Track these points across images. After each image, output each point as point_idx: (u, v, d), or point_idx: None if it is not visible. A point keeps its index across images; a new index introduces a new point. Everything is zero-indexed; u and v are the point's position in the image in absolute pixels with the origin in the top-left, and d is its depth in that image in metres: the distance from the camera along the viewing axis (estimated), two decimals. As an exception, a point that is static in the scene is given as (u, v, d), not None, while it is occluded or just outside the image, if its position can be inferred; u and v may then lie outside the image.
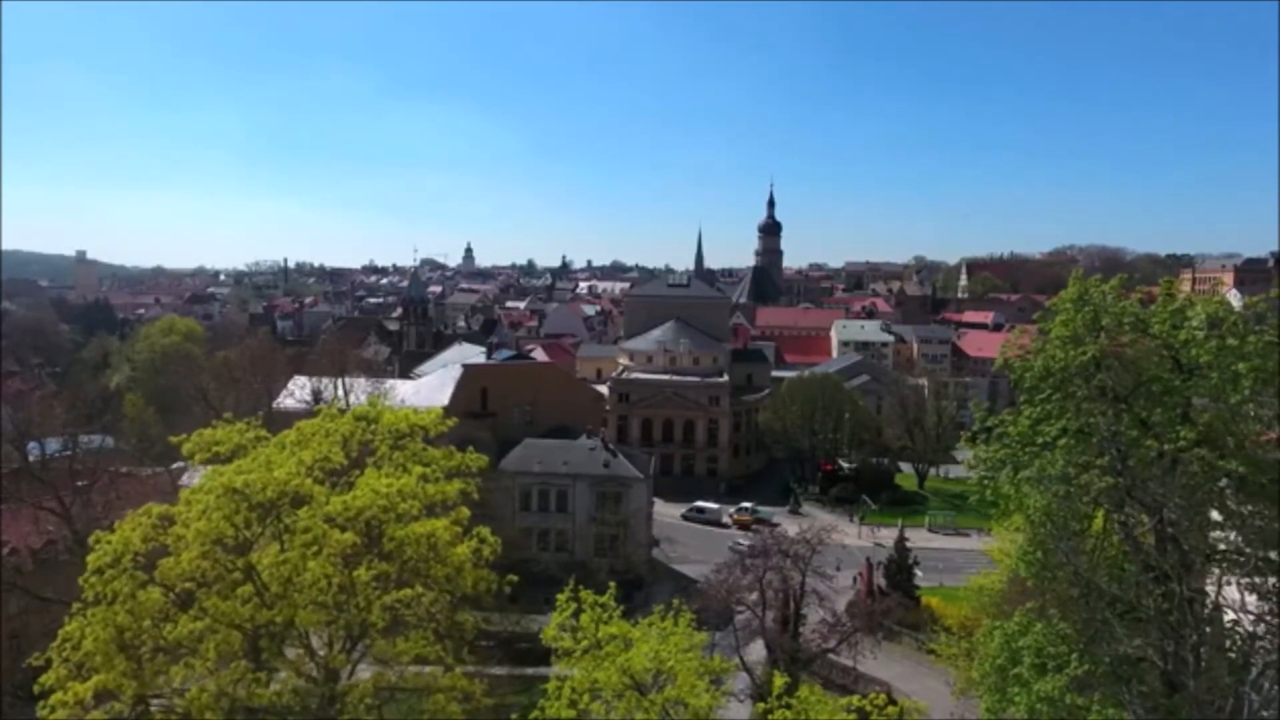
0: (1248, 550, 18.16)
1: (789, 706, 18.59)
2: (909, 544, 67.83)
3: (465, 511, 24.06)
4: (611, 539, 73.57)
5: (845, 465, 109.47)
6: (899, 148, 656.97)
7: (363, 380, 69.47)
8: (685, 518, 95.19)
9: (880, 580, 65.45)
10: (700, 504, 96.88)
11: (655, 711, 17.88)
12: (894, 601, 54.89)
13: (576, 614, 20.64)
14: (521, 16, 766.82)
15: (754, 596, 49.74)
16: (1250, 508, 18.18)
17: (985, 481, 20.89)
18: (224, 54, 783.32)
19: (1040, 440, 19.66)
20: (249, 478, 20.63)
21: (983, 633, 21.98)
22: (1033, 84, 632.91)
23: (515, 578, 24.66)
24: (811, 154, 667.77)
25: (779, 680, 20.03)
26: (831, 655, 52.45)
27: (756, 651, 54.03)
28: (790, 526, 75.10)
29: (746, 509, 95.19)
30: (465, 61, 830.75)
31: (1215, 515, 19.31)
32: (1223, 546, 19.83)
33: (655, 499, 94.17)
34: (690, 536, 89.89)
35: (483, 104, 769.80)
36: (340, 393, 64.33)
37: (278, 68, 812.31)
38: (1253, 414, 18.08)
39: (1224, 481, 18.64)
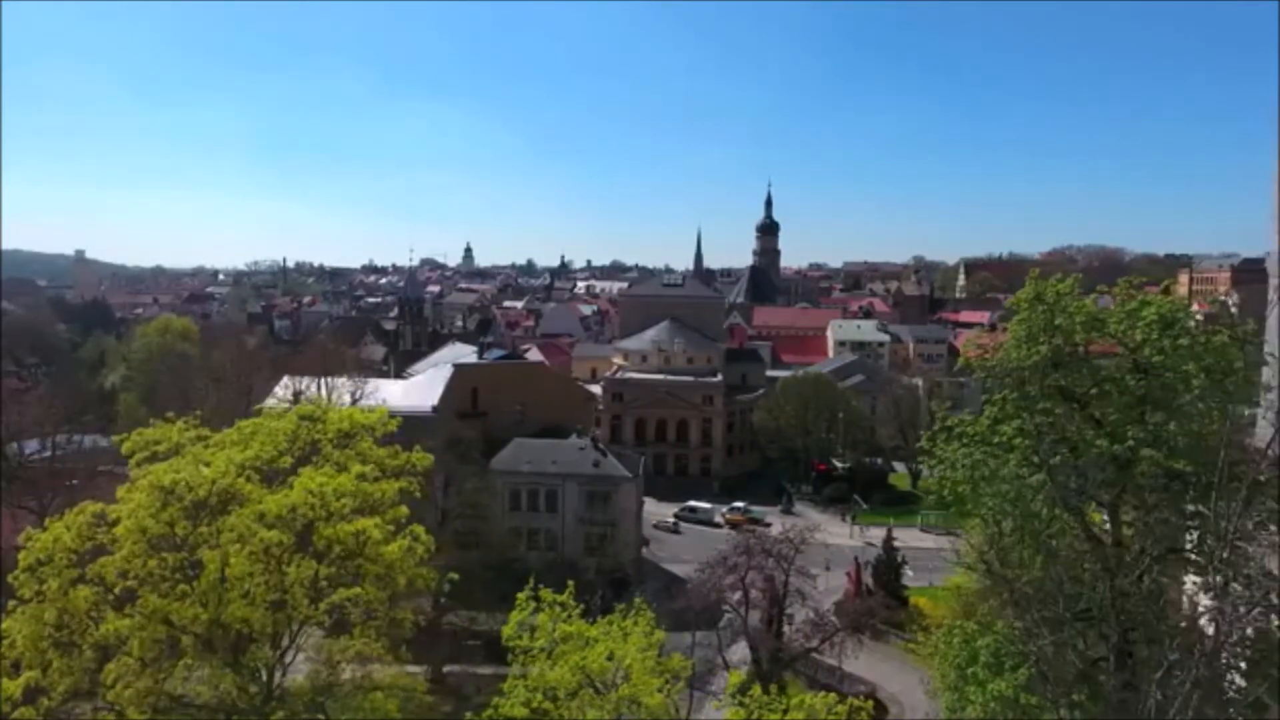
0: (1201, 549, 18.18)
1: (743, 705, 18.64)
2: (898, 544, 67.85)
3: (404, 510, 24.09)
4: (600, 539, 73.61)
5: (839, 465, 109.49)
6: (899, 147, 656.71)
7: (345, 380, 69.53)
8: (678, 517, 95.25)
9: (868, 580, 65.46)
10: (693, 504, 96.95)
11: (608, 710, 17.92)
12: (876, 601, 54.88)
13: (536, 613, 20.70)
14: (521, 16, 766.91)
15: (737, 596, 49.77)
16: (1200, 507, 18.20)
17: (943, 482, 20.94)
18: (224, 54, 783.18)
19: (997, 440, 19.69)
20: (177, 476, 20.70)
21: (943, 633, 22.05)
22: (1032, 84, 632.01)
23: (455, 575, 24.70)
24: (812, 154, 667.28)
25: (734, 677, 20.09)
26: (816, 655, 52.45)
27: (742, 651, 54.10)
28: (782, 526, 75.16)
29: (739, 509, 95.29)
30: (465, 61, 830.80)
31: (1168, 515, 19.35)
32: (1186, 546, 19.87)
33: (649, 498, 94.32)
34: (684, 536, 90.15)
35: (483, 104, 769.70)
36: (323, 392, 64.43)
37: (278, 67, 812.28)
38: (1201, 413, 18.12)
39: (1175, 481, 18.66)
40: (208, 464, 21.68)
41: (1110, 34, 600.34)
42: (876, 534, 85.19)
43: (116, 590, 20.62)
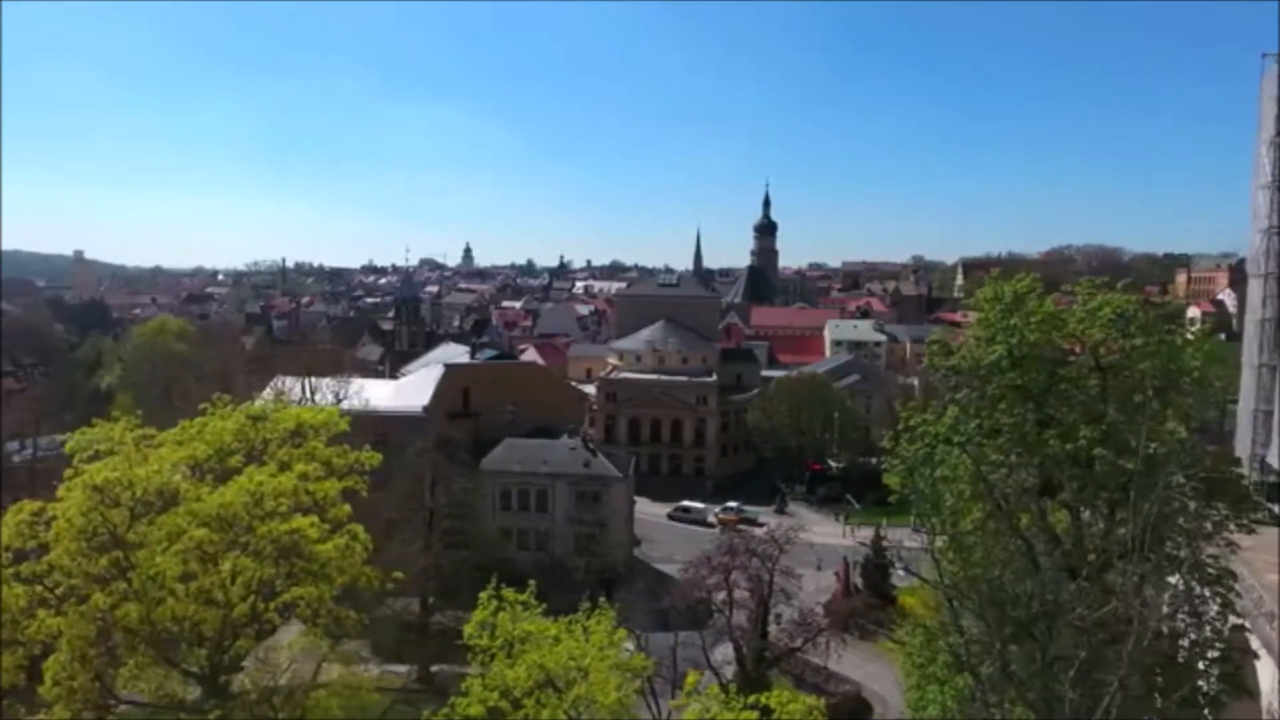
0: (1155, 550, 18.19)
1: (702, 705, 18.65)
2: (886, 543, 67.77)
3: (346, 509, 24.11)
4: (589, 539, 73.65)
5: (833, 465, 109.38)
6: (899, 147, 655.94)
7: (330, 380, 69.56)
8: (671, 517, 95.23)
9: (857, 579, 65.48)
10: (686, 503, 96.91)
11: (563, 710, 17.93)
12: (859, 601, 54.86)
13: (498, 612, 20.72)
14: (521, 17, 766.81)
15: (722, 596, 49.79)
16: (1154, 507, 18.18)
17: (904, 481, 20.94)
18: (224, 54, 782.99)
19: (957, 439, 19.69)
20: (111, 475, 20.73)
21: (904, 633, 22.04)
22: (1032, 84, 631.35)
23: (400, 574, 24.74)
24: (811, 153, 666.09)
25: (692, 677, 20.10)
26: (803, 655, 52.46)
27: (729, 650, 54.07)
28: (774, 526, 75.10)
29: (732, 509, 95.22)
30: (465, 62, 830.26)
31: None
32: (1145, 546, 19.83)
33: (643, 498, 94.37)
34: (675, 536, 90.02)
35: (482, 104, 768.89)
36: (306, 392, 64.52)
37: (277, 67, 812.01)
38: (1154, 412, 18.11)
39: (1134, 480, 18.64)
40: (146, 463, 21.69)
41: (1109, 34, 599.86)
42: (869, 534, 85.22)
43: (58, 590, 20.63)
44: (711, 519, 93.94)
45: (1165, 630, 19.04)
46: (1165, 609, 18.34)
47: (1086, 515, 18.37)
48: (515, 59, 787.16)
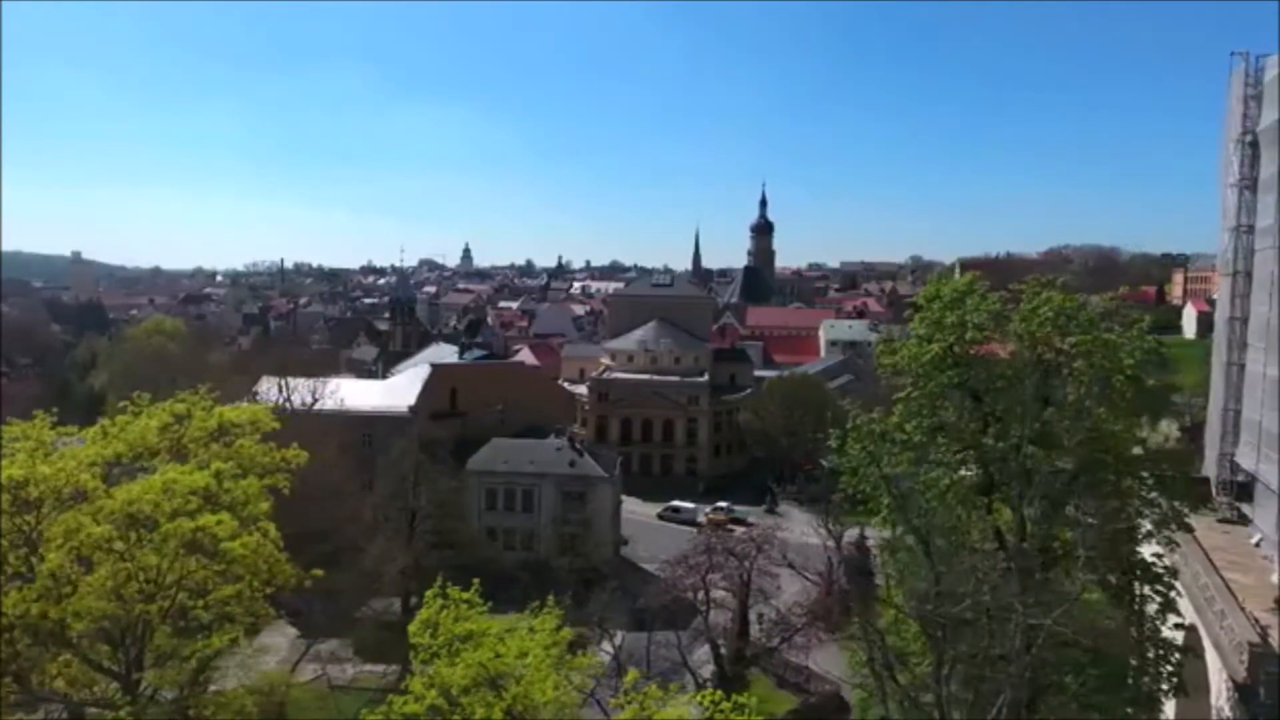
0: (1094, 549, 18.15)
1: (639, 704, 18.63)
2: (871, 542, 67.68)
3: (263, 506, 24.10)
4: (573, 538, 73.64)
5: (826, 464, 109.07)
6: (899, 147, 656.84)
7: (304, 380, 69.55)
8: (661, 517, 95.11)
9: (842, 579, 65.32)
10: (676, 503, 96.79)
11: (499, 709, 17.92)
12: (834, 601, 54.78)
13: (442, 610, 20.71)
14: (521, 17, 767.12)
15: (700, 595, 49.79)
16: (1091, 504, 18.19)
17: (848, 481, 20.91)
18: (224, 54, 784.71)
19: (900, 437, 19.67)
20: (14, 473, 20.73)
21: (853, 631, 22.02)
22: (1031, 84, 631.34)
23: (320, 571, 24.78)
24: (810, 153, 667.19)
25: (632, 675, 20.07)
26: (782, 654, 52.44)
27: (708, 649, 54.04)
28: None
29: (722, 509, 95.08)
30: (465, 61, 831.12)
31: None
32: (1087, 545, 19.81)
33: (634, 499, 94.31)
34: (664, 536, 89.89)
35: (482, 104, 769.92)
36: (281, 392, 64.57)
37: (277, 68, 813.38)
38: (1087, 410, 18.06)
39: (1077, 480, 18.64)
40: (52, 461, 21.68)
41: (1108, 33, 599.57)
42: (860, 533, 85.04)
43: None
44: (702, 519, 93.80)
45: (1110, 628, 19.00)
46: (1105, 608, 18.31)
47: (1030, 513, 18.30)
48: (515, 59, 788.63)
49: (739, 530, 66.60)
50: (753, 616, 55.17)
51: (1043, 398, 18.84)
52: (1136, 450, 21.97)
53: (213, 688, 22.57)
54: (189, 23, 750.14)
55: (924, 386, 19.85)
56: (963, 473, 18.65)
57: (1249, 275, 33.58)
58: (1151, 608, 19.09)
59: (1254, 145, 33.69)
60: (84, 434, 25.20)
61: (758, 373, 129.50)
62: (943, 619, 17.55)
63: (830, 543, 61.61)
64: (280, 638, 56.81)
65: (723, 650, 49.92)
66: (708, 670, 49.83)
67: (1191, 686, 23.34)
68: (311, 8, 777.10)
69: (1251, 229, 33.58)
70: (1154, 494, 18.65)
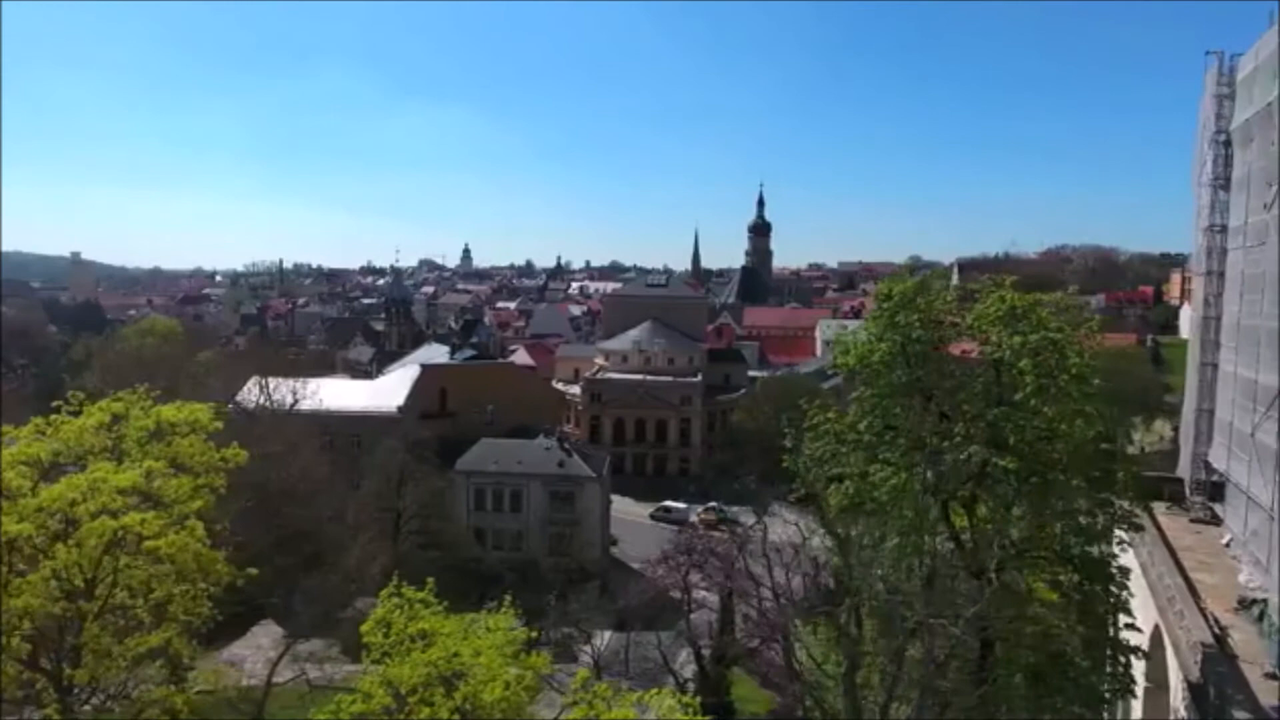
0: (1046, 549, 18.18)
1: (588, 703, 18.66)
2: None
3: (195, 505, 24.13)
4: (561, 538, 73.74)
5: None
6: (898, 147, 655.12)
7: (285, 380, 69.65)
8: (653, 518, 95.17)
9: (828, 579, 65.21)
10: (668, 504, 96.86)
11: (447, 708, 17.94)
12: (817, 600, 54.56)
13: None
14: (520, 17, 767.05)
15: (680, 595, 49.78)
16: (1042, 504, 18.20)
17: (802, 480, 20.93)
18: (223, 55, 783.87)
19: (854, 437, 19.70)
20: None
21: (807, 631, 22.02)
22: (1030, 84, 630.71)
23: (254, 571, 24.82)
24: (810, 153, 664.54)
25: (581, 674, 20.09)
26: (764, 653, 52.28)
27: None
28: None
29: (713, 509, 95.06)
30: (464, 62, 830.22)
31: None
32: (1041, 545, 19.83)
33: (627, 499, 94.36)
34: (655, 536, 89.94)
35: (482, 104, 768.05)
36: (259, 392, 64.70)
37: (277, 69, 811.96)
38: (1034, 410, 18.08)
39: (1029, 480, 18.65)
40: None
41: (1108, 33, 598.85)
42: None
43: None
44: (694, 519, 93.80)
45: (1059, 630, 19.01)
46: (1053, 608, 18.32)
47: (982, 513, 18.32)
48: (515, 60, 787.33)
49: (721, 530, 66.49)
50: (738, 619, 55.05)
51: (996, 398, 18.87)
52: (1106, 447, 21.93)
53: (153, 687, 22.58)
54: (189, 23, 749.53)
55: (876, 385, 19.91)
56: (915, 472, 18.63)
57: (1222, 275, 33.63)
58: (1102, 608, 19.12)
59: (1227, 144, 33.75)
60: (16, 433, 25.27)
61: (753, 373, 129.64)
62: (900, 620, 17.61)
63: (816, 540, 61.34)
64: (265, 638, 57.12)
65: (704, 651, 49.84)
66: (689, 670, 49.81)
67: (1156, 686, 23.41)
68: (311, 8, 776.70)
69: (1224, 228, 33.63)
70: (1106, 494, 18.69)
